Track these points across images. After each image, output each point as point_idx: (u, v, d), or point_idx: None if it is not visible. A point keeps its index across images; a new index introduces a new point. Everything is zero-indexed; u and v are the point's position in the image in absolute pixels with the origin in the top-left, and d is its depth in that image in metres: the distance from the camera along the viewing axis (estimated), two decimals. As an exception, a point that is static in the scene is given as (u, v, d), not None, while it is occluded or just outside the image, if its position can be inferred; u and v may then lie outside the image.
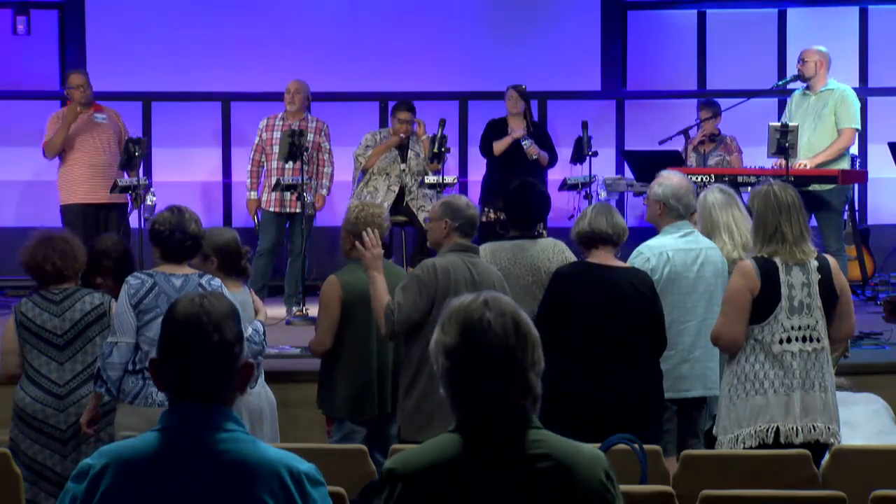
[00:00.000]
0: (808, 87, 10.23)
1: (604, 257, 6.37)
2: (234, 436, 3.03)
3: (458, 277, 6.20)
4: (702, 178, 9.95)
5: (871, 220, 12.69)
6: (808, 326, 5.88)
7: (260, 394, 6.49)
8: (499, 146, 11.16)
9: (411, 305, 6.13)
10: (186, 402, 3.04)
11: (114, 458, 3.02)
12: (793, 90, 10.47)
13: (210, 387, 3.04)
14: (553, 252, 6.93)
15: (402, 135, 10.80)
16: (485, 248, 6.94)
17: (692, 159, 11.14)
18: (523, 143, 11.05)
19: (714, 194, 7.03)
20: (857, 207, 11.87)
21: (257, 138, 10.91)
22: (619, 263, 6.44)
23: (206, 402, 3.03)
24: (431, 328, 5.95)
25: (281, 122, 10.83)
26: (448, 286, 6.13)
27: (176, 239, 6.04)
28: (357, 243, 6.41)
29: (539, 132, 11.25)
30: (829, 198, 9.88)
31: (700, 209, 6.96)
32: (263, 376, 6.57)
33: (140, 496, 2.99)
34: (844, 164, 10.16)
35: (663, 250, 6.67)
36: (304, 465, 3.06)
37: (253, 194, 10.83)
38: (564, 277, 6.40)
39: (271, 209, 10.75)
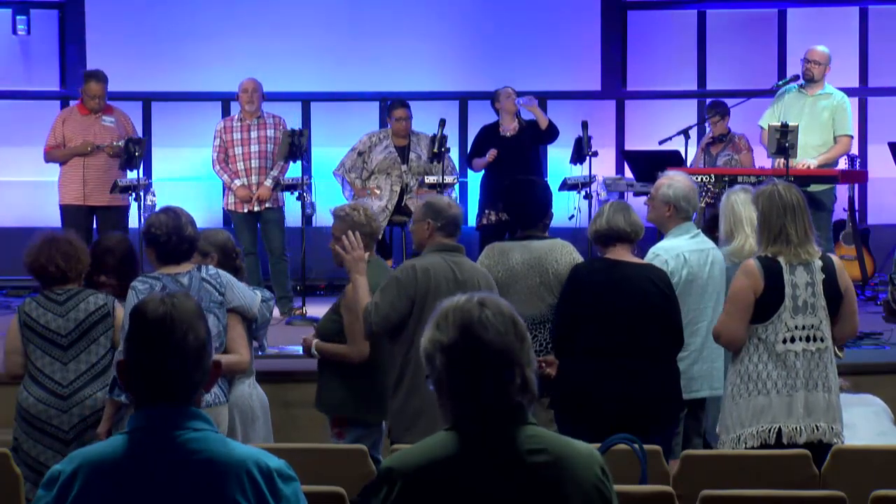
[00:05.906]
0: (802, 86, 10.27)
1: (621, 254, 6.32)
2: (203, 435, 3.03)
3: (438, 278, 6.15)
4: (702, 178, 9.96)
5: (871, 220, 12.70)
6: (812, 326, 5.88)
7: (251, 394, 6.41)
8: (479, 164, 11.24)
9: (389, 306, 6.11)
10: (155, 404, 3.04)
11: (84, 462, 3.02)
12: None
13: (178, 388, 3.04)
14: (561, 253, 6.79)
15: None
16: (492, 248, 6.91)
17: (702, 161, 11.14)
18: (521, 101, 11.11)
19: (738, 193, 6.97)
20: (857, 207, 11.87)
21: (216, 141, 10.66)
22: (637, 259, 6.38)
23: (174, 402, 3.03)
24: (413, 329, 6.00)
25: (239, 124, 10.63)
26: (428, 286, 6.11)
27: (173, 243, 5.99)
28: (337, 247, 6.38)
29: (533, 131, 11.25)
30: (820, 197, 9.94)
31: (723, 207, 6.93)
32: (255, 376, 6.48)
33: (111, 499, 2.99)
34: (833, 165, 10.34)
35: (679, 252, 6.63)
36: (274, 462, 3.05)
37: (238, 181, 10.51)
38: (583, 274, 6.34)
39: (238, 210, 10.54)
